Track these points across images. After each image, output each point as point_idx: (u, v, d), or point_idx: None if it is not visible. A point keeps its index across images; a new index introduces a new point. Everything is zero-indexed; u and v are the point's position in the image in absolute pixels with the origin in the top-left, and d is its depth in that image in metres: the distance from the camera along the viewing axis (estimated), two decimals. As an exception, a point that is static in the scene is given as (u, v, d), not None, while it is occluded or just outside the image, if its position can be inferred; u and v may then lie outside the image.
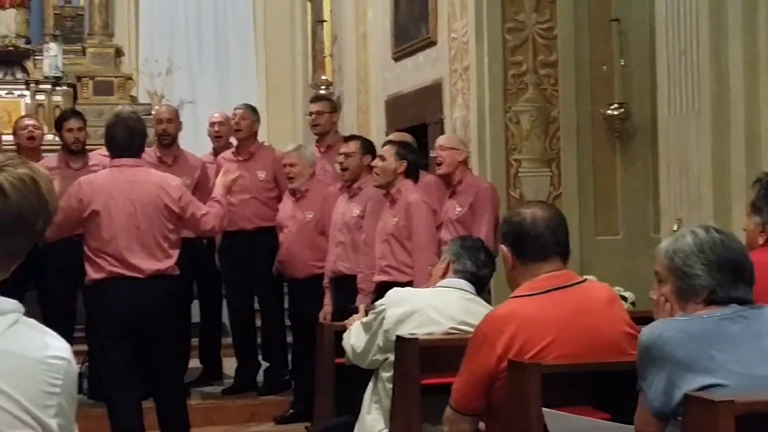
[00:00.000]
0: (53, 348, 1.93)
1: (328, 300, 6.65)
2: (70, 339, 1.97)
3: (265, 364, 7.64)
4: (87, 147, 7.44)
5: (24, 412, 1.86)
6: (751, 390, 2.57)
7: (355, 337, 4.41)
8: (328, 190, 7.05)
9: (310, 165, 7.03)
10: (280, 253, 7.08)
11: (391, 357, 4.16)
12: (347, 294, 6.34)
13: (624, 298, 4.75)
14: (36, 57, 11.80)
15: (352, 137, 7.05)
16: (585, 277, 3.58)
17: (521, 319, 3.15)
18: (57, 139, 7.83)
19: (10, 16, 11.71)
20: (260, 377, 7.63)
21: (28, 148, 7.34)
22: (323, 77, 10.54)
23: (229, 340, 7.91)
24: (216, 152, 7.91)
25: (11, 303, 1.93)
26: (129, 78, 12.26)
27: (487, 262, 4.35)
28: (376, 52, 9.57)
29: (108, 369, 5.55)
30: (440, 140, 6.62)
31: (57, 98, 11.63)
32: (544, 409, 3.00)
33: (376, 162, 6.23)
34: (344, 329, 4.68)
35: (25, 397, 1.86)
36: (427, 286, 4.50)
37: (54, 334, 1.97)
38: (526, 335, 3.13)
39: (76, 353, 2.00)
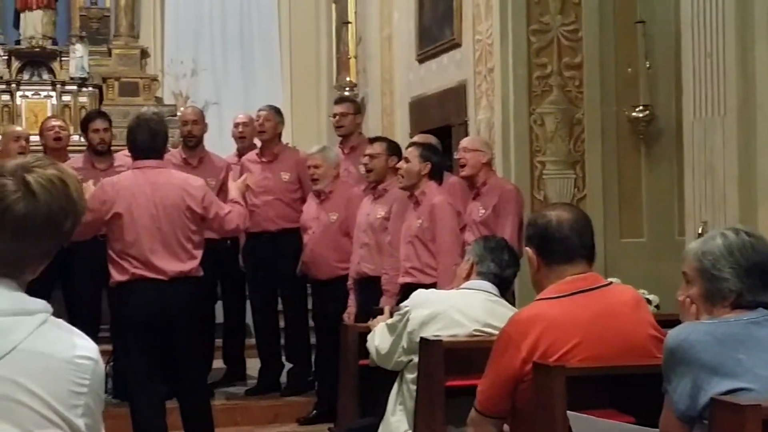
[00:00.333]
0: (81, 348, 1.94)
1: (351, 301, 6.66)
2: (95, 339, 1.98)
3: (288, 365, 7.66)
4: (112, 148, 7.47)
5: (52, 411, 1.88)
6: (777, 394, 2.56)
7: (379, 338, 4.41)
8: (352, 191, 7.05)
9: (334, 166, 7.04)
10: (304, 254, 7.09)
11: (416, 359, 4.16)
12: (371, 295, 6.35)
13: (648, 301, 4.74)
14: (62, 58, 11.87)
15: (377, 139, 7.06)
16: (609, 279, 3.58)
17: (546, 322, 3.15)
18: (82, 139, 7.88)
19: (37, 17, 11.78)
20: (283, 378, 7.65)
21: (54, 149, 7.38)
22: (347, 79, 10.55)
23: (253, 340, 7.92)
24: (240, 153, 7.93)
25: (40, 303, 1.94)
26: (154, 79, 12.31)
27: (511, 262, 4.34)
28: (401, 53, 9.58)
29: (131, 370, 5.58)
30: (464, 142, 6.62)
31: (83, 99, 11.70)
32: (569, 412, 2.99)
33: (401, 164, 6.24)
34: (368, 330, 4.69)
35: (52, 396, 1.88)
36: (451, 288, 4.50)
37: (82, 334, 1.98)
38: (552, 338, 3.12)
39: (101, 353, 2.01)
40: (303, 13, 12.67)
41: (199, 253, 5.58)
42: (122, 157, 6.96)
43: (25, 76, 11.80)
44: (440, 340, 4.02)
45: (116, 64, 12.23)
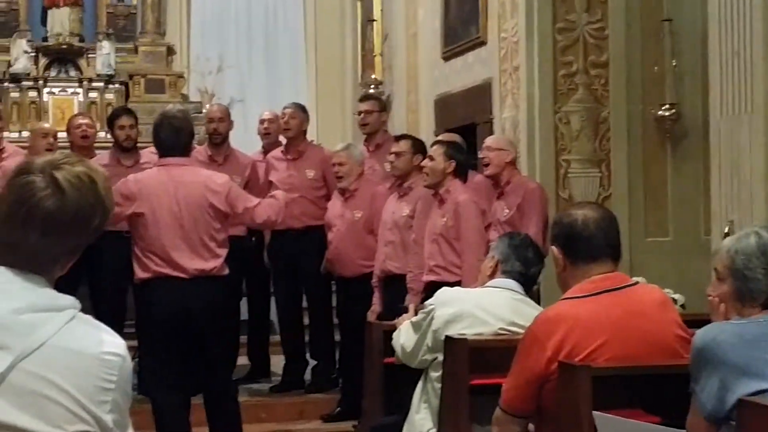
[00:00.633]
0: (109, 344, 1.95)
1: (376, 299, 6.66)
2: (120, 335, 1.99)
3: (312, 362, 7.66)
4: (138, 144, 7.50)
5: (80, 407, 1.88)
6: (805, 396, 2.55)
7: (404, 336, 4.42)
8: (376, 189, 7.05)
9: (359, 164, 7.04)
10: (328, 252, 7.10)
11: (440, 357, 4.16)
12: (396, 293, 6.35)
13: (674, 301, 4.71)
14: (89, 55, 11.90)
15: (403, 136, 7.05)
16: (635, 279, 3.56)
17: (572, 321, 3.14)
18: (109, 136, 7.91)
19: (64, 14, 11.82)
20: (308, 375, 7.66)
21: (81, 146, 7.42)
22: (373, 76, 10.55)
23: (277, 337, 7.94)
24: (266, 150, 7.94)
25: (68, 299, 1.95)
26: (180, 76, 12.34)
27: (536, 260, 4.33)
28: (426, 51, 9.57)
29: (154, 367, 5.59)
30: (488, 141, 6.62)
31: (109, 96, 11.73)
32: (594, 412, 2.99)
33: (425, 162, 6.23)
34: (393, 328, 4.69)
35: (81, 392, 1.89)
36: (476, 286, 4.50)
37: (109, 330, 1.99)
38: (577, 337, 3.11)
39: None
40: (328, 10, 12.67)
41: (223, 252, 5.55)
42: (148, 154, 6.98)
43: (52, 73, 11.84)
44: (465, 339, 4.02)
45: (142, 61, 12.27)
